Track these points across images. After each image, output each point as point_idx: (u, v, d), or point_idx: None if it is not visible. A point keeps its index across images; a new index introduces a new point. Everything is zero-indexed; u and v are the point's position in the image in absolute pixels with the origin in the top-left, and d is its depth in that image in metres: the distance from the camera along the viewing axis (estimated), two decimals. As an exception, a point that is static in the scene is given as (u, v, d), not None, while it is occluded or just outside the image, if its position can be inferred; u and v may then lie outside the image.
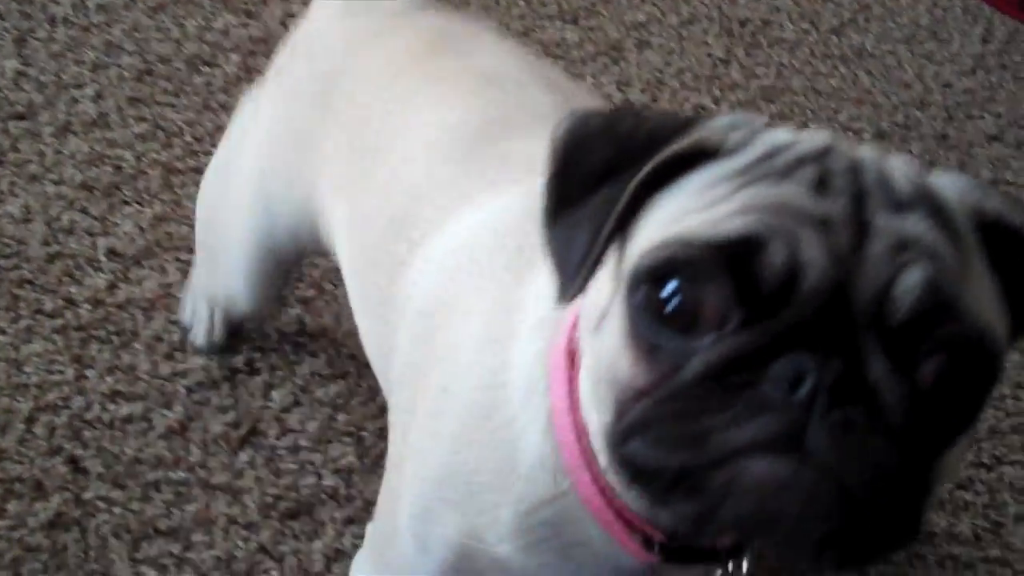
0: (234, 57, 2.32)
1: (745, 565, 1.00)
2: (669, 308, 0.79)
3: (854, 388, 0.75)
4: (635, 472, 0.82)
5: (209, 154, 2.12)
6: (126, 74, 2.22)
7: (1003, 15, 3.20)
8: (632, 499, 0.95)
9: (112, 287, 1.90)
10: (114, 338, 1.84)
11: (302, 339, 1.90)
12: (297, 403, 1.83)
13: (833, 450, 0.74)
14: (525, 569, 1.05)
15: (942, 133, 2.76)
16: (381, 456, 1.77)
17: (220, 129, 2.17)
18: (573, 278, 0.85)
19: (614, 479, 0.93)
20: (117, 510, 1.65)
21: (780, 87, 2.74)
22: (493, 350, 1.06)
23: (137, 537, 1.63)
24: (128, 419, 1.75)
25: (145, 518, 1.65)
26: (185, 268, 1.92)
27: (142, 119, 2.16)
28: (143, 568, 1.61)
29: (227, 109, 2.20)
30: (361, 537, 1.69)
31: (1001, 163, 2.73)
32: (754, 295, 0.78)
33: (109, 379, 1.78)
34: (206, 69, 2.28)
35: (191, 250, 1.94)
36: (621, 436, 0.81)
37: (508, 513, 1.03)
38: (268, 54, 2.34)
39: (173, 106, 2.20)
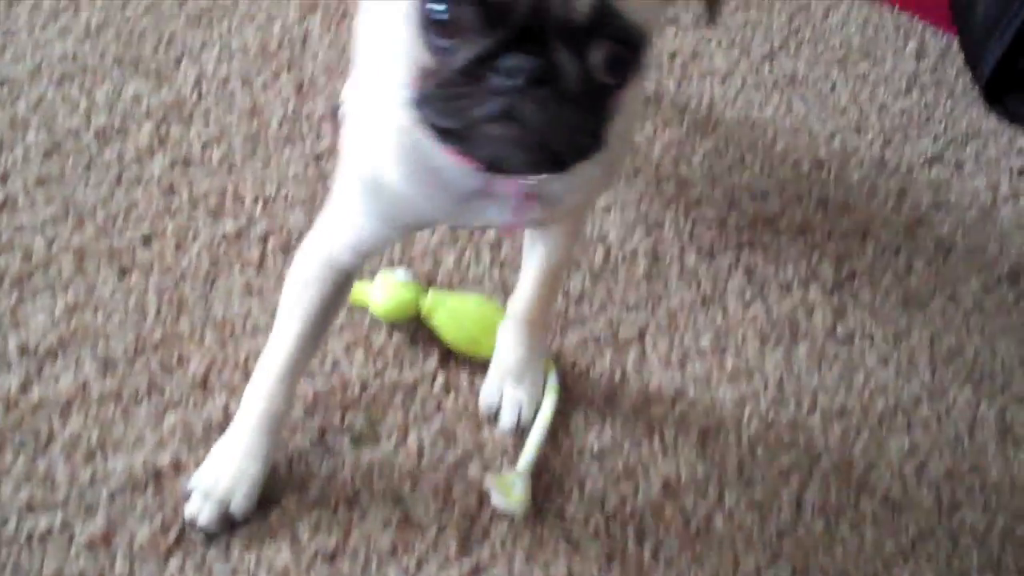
0: (147, 125, 2.22)
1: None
2: (437, 18, 1.20)
3: (549, 74, 1.17)
4: (430, 128, 1.24)
5: (123, 232, 2.03)
6: (32, 152, 2.12)
7: (935, 28, 3.16)
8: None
9: (25, 387, 1.80)
10: (29, 443, 1.74)
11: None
12: (227, 501, 1.73)
13: (535, 115, 1.18)
14: (413, 197, 1.47)
15: (880, 158, 2.71)
16: (318, 552, 1.69)
17: (134, 205, 2.07)
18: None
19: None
20: (39, 633, 1.56)
21: (713, 119, 2.68)
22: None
23: (62, 661, 1.54)
24: (47, 532, 1.65)
25: (69, 640, 1.56)
26: (101, 363, 1.82)
27: (51, 200, 2.05)
28: None
29: (141, 182, 2.11)
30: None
31: (943, 184, 2.68)
32: (490, 12, 1.17)
33: (24, 490, 1.68)
34: (117, 141, 2.18)
35: (108, 339, 1.85)
36: (417, 104, 1.24)
37: (392, 138, 1.43)
38: (182, 120, 2.25)
39: (85, 183, 2.10)
